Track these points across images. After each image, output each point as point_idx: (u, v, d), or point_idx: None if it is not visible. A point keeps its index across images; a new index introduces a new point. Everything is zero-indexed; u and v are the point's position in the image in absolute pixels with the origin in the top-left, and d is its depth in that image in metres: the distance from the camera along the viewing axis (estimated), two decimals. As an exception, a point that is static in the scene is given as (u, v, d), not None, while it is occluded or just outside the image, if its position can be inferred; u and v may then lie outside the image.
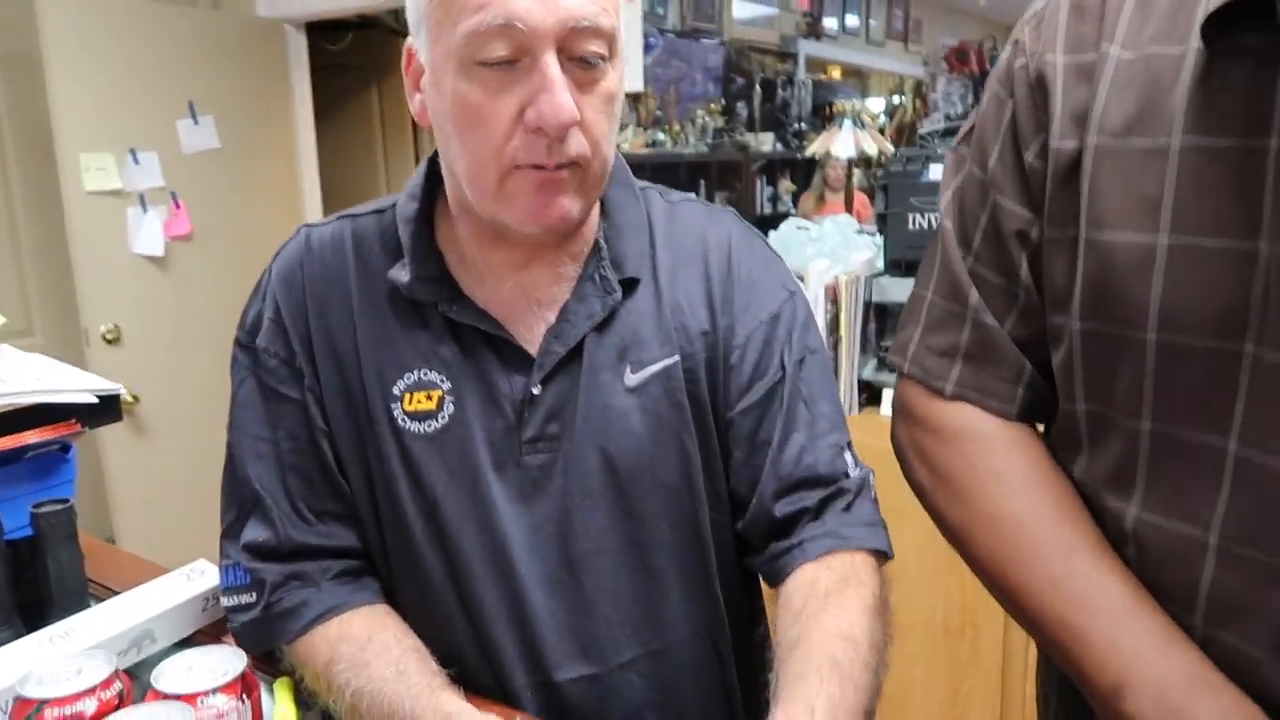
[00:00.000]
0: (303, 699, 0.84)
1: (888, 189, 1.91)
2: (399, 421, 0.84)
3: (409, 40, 0.81)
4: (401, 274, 0.84)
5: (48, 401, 0.98)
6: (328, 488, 0.87)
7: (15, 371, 1.02)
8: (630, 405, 0.85)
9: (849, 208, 3.98)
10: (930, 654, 1.77)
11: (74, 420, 1.00)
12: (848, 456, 0.88)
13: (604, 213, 0.89)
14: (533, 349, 0.84)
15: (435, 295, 0.84)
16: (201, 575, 0.99)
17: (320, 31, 3.55)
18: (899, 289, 1.88)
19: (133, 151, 2.83)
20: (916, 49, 7.51)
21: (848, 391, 1.88)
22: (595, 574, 0.85)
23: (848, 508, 0.86)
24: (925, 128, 5.85)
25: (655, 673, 0.88)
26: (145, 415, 2.89)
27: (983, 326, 0.75)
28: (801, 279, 2.21)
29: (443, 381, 0.84)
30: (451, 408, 0.84)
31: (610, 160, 0.82)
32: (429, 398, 0.84)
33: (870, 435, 1.85)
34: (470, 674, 0.85)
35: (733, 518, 0.90)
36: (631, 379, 0.85)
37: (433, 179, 0.89)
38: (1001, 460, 0.75)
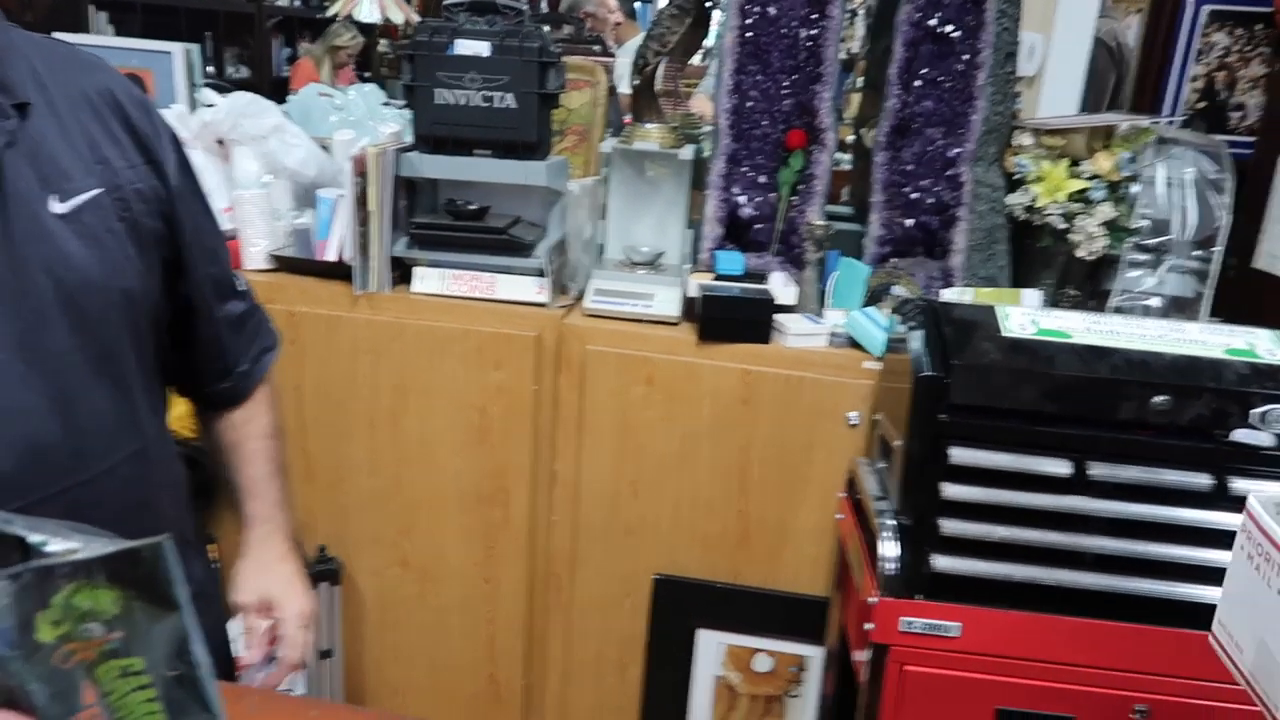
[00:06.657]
0: None
1: (414, 59, 1.84)
2: None
3: None
4: None
5: None
6: None
7: None
8: (65, 231, 0.87)
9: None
10: (465, 520, 1.87)
11: None
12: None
13: None
14: None
15: None
16: None
17: None
18: (430, 165, 1.84)
19: None
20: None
21: (379, 269, 1.83)
22: (66, 386, 0.88)
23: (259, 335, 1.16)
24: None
25: (137, 473, 0.96)
26: None
27: None
28: (325, 148, 2.08)
29: None
30: None
31: None
32: None
33: (402, 314, 1.83)
34: None
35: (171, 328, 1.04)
36: (60, 207, 0.87)
37: None
38: None
